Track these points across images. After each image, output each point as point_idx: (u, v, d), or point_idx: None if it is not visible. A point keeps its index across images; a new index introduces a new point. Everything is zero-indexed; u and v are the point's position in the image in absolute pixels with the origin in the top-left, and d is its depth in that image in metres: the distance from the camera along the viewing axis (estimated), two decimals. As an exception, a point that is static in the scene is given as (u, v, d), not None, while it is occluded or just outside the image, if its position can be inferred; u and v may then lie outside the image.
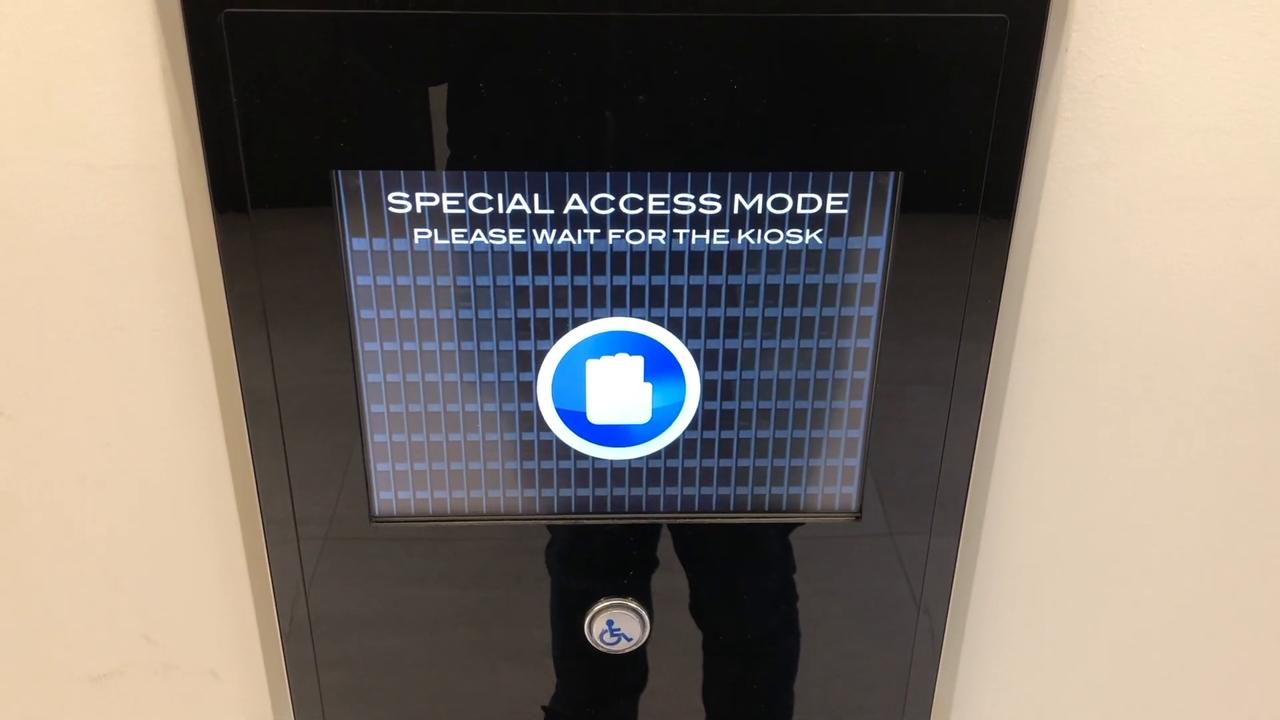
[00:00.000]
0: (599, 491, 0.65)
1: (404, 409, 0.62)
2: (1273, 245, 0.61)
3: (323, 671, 0.70)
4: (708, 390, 0.62)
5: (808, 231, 0.58)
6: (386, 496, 0.65)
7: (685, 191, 0.56)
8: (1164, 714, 0.78)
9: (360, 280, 0.58)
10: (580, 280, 0.59)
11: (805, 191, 0.57)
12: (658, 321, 0.60)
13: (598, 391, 0.62)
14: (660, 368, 0.61)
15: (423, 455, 0.64)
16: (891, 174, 0.56)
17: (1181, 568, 0.72)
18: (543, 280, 0.59)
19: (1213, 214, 0.60)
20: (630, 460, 0.64)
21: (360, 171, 0.55)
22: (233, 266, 0.57)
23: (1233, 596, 0.73)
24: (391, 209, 0.56)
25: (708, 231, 0.57)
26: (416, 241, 0.57)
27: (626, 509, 0.66)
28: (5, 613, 0.71)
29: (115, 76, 0.54)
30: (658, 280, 0.59)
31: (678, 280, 0.59)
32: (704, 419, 0.63)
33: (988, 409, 0.63)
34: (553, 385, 0.62)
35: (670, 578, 0.68)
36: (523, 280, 0.59)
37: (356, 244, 0.57)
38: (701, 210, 0.57)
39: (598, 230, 0.57)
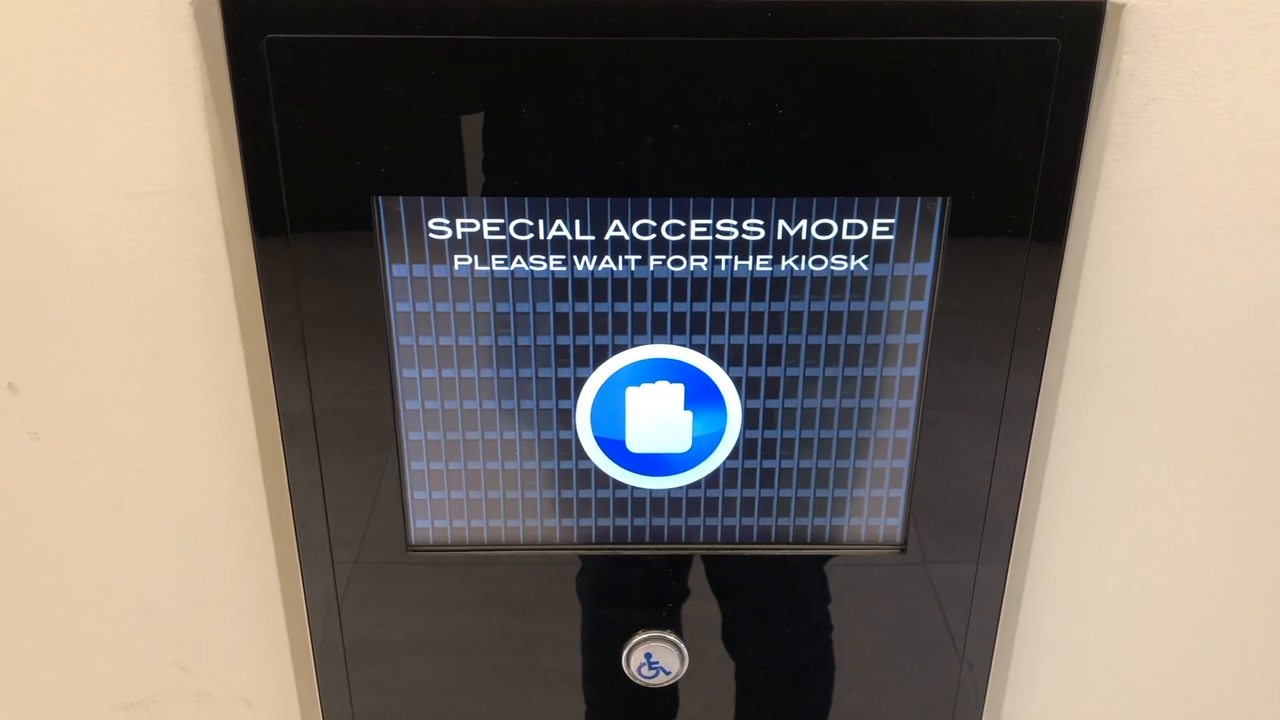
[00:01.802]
0: (638, 521, 0.64)
1: (441, 436, 0.61)
2: (1329, 272, 0.59)
3: (356, 697, 0.70)
4: (749, 419, 0.61)
5: (853, 258, 0.57)
6: (423, 525, 0.64)
7: (728, 217, 0.56)
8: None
9: (400, 306, 0.58)
10: (621, 307, 0.58)
11: (851, 217, 0.56)
12: (699, 349, 0.59)
13: (637, 420, 0.61)
14: (701, 396, 0.61)
15: (460, 483, 0.63)
16: (940, 199, 0.55)
17: (1240, 609, 0.70)
18: (583, 307, 0.58)
19: (1266, 239, 0.59)
20: (670, 490, 0.63)
21: (401, 197, 0.55)
22: (272, 291, 0.56)
23: (1288, 632, 0.71)
24: (432, 235, 0.56)
25: (750, 258, 0.57)
26: (456, 268, 0.57)
27: (666, 539, 0.65)
28: (39, 639, 0.71)
29: (157, 101, 0.54)
30: (699, 307, 0.58)
31: (719, 307, 0.58)
32: (745, 448, 0.62)
33: (1036, 438, 0.61)
34: (592, 413, 0.61)
35: (706, 608, 0.67)
36: (563, 307, 0.58)
37: (396, 270, 0.57)
38: (744, 236, 0.56)
39: (639, 256, 0.56)
